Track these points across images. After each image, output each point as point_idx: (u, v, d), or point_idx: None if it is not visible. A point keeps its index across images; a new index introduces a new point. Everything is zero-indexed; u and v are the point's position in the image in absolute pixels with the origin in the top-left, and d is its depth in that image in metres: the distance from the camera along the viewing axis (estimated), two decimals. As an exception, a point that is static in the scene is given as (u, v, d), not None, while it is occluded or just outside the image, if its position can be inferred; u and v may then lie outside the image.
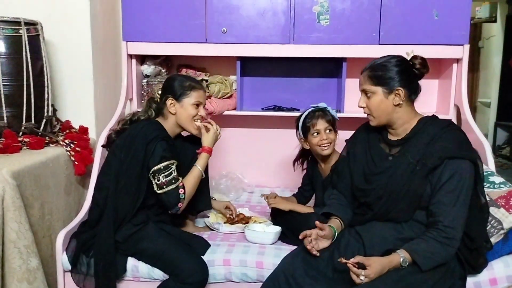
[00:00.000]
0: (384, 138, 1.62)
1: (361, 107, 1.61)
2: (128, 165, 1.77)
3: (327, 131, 1.96)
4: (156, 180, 1.76)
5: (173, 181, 1.76)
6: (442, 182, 1.44)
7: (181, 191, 1.77)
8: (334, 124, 2.00)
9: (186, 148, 2.00)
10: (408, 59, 1.57)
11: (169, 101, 1.88)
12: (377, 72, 1.54)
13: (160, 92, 1.99)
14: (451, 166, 1.44)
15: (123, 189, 1.77)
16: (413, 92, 1.56)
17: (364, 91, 1.58)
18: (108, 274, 1.73)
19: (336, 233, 1.60)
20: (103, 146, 2.05)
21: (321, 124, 1.96)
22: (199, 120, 1.92)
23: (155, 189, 1.76)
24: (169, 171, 1.76)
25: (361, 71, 1.61)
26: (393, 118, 1.56)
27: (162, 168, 1.75)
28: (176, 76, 1.99)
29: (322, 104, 2.01)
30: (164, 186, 1.75)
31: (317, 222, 1.56)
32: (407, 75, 1.55)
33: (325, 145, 1.96)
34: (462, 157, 1.45)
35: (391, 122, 1.58)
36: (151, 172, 1.76)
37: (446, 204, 1.43)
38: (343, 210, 1.68)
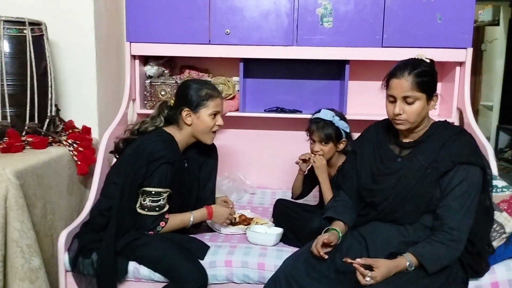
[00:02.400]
0: (395, 139, 1.62)
1: (398, 114, 1.51)
2: (131, 181, 1.75)
3: (322, 143, 1.96)
4: (142, 199, 1.75)
5: (157, 208, 1.74)
6: (451, 187, 1.45)
7: (161, 224, 1.76)
8: (332, 137, 1.94)
9: (198, 156, 1.99)
10: (428, 62, 1.56)
11: (185, 113, 1.82)
12: (424, 78, 1.50)
13: (173, 98, 1.92)
14: (462, 171, 1.45)
15: (126, 203, 1.76)
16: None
17: (405, 98, 1.50)
18: (109, 276, 1.73)
19: (341, 236, 1.60)
20: (111, 152, 2.03)
21: (316, 136, 1.97)
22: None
23: (137, 205, 1.75)
24: (158, 198, 1.74)
25: (397, 74, 1.51)
26: (422, 122, 1.56)
27: (153, 192, 1.73)
28: (191, 83, 1.87)
29: (328, 115, 1.96)
30: (146, 209, 1.74)
31: (324, 238, 1.55)
32: (437, 79, 1.56)
33: (317, 155, 1.98)
34: (473, 163, 1.46)
35: (418, 126, 1.57)
36: (141, 190, 1.74)
37: (454, 208, 1.44)
38: (347, 213, 1.67)
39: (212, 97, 1.83)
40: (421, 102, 1.51)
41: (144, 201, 1.74)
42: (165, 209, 1.77)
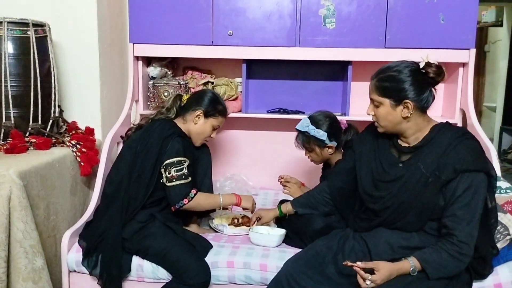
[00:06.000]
0: (395, 143, 1.57)
1: (369, 114, 1.57)
2: (144, 157, 1.83)
3: (305, 150, 2.03)
4: (167, 173, 1.81)
5: (183, 177, 1.81)
6: (456, 195, 1.40)
7: (193, 191, 1.83)
8: (311, 146, 2.00)
9: (193, 151, 2.02)
10: (422, 66, 1.47)
11: (199, 113, 1.96)
12: (385, 83, 1.48)
13: (188, 95, 2.07)
14: (466, 179, 1.39)
15: (137, 179, 1.83)
16: (424, 102, 1.48)
17: (372, 100, 1.54)
18: (113, 272, 1.74)
19: (282, 214, 1.91)
20: (121, 137, 2.15)
21: (299, 145, 2.05)
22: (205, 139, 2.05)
23: (164, 181, 1.81)
24: (181, 167, 1.81)
25: (371, 77, 1.55)
26: (402, 128, 1.51)
27: (175, 162, 1.81)
28: (215, 95, 2.05)
29: (303, 125, 1.99)
30: (174, 180, 1.80)
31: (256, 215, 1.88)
32: (417, 86, 1.46)
33: (309, 160, 2.07)
34: (477, 169, 1.40)
35: (400, 131, 1.53)
36: (163, 165, 1.81)
37: (462, 218, 1.39)
38: (309, 205, 1.86)
39: (223, 115, 2.03)
40: (385, 107, 1.49)
41: (169, 173, 1.80)
42: (190, 179, 1.83)
